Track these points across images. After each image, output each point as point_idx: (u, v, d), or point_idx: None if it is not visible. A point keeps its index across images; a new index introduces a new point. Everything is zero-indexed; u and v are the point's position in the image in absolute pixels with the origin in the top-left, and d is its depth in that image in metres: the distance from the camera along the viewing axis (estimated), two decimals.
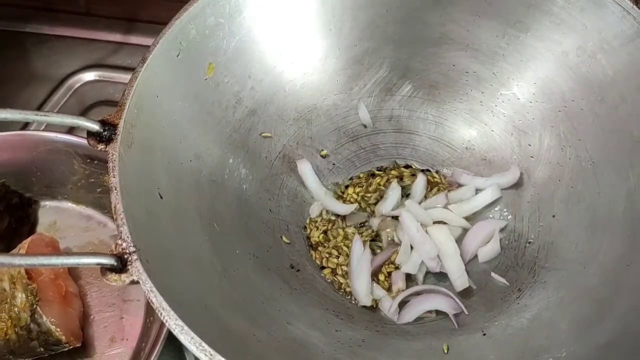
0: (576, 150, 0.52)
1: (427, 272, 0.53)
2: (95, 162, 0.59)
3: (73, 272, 0.58)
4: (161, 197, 0.45)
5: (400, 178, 0.58)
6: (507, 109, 0.57)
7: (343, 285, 0.53)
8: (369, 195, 0.57)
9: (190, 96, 0.51)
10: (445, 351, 0.46)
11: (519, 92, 0.56)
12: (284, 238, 0.54)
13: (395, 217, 0.55)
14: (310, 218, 0.57)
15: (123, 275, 0.38)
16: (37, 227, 0.62)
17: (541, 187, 0.54)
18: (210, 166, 0.52)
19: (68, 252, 0.59)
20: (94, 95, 0.75)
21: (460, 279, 0.51)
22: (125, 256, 0.38)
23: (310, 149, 0.59)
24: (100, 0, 0.80)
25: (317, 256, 0.54)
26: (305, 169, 0.57)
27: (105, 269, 0.38)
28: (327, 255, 0.54)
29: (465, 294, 0.51)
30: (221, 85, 0.53)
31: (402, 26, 0.57)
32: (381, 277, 0.53)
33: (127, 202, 0.40)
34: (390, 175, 0.58)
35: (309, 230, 0.56)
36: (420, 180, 0.57)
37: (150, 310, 0.56)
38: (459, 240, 0.53)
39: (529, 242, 0.52)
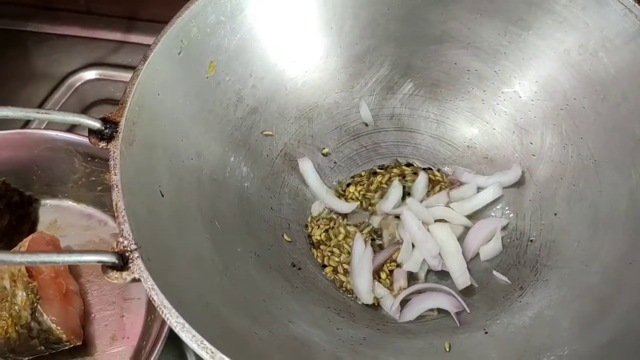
0: (578, 148, 0.52)
1: (429, 271, 0.53)
2: (96, 160, 0.59)
3: (74, 271, 0.58)
4: (162, 195, 0.45)
5: (402, 176, 0.58)
6: (508, 107, 0.57)
7: (344, 284, 0.53)
8: (370, 193, 0.57)
9: (191, 94, 0.51)
10: (447, 349, 0.46)
11: (521, 90, 0.56)
12: (285, 236, 0.54)
13: (397, 216, 0.55)
14: (311, 216, 0.56)
15: (124, 273, 0.38)
16: (38, 225, 0.62)
17: (543, 185, 0.54)
18: (212, 164, 0.52)
19: (69, 250, 0.59)
20: (95, 93, 0.75)
21: (462, 277, 0.51)
22: (127, 254, 0.38)
23: (312, 147, 0.59)
24: None
25: (318, 254, 0.54)
26: (306, 167, 0.57)
27: (106, 267, 0.38)
28: (329, 254, 0.54)
29: (467, 292, 0.51)
30: (222, 83, 0.53)
31: (404, 24, 0.57)
32: (383, 276, 0.53)
33: (128, 200, 0.40)
34: (391, 174, 0.58)
35: (310, 228, 0.56)
36: (422, 179, 0.57)
37: (151, 309, 0.55)
38: (461, 239, 0.53)
39: (531, 241, 0.52)
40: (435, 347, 0.46)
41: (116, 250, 0.38)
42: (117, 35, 0.80)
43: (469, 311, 0.49)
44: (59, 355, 0.53)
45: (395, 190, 0.56)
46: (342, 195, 0.58)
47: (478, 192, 0.56)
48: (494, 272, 0.51)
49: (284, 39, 0.56)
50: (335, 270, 0.53)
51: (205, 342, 0.36)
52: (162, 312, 0.37)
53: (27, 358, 0.52)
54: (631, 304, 0.41)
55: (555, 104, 0.54)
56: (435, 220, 0.54)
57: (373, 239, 0.55)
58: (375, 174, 0.59)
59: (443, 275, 0.53)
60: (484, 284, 0.51)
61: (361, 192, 0.57)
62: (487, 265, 0.53)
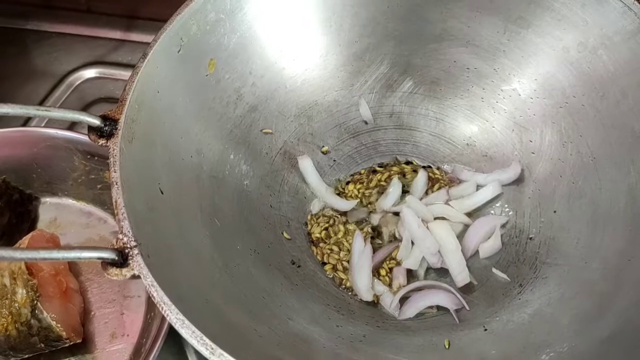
0: (577, 146, 0.52)
1: (428, 268, 0.53)
2: (96, 158, 0.59)
3: (73, 269, 0.58)
4: (162, 193, 0.45)
5: (402, 174, 0.58)
6: (508, 105, 0.57)
7: (344, 281, 0.53)
8: (369, 191, 0.57)
9: (191, 92, 0.51)
10: (447, 346, 0.46)
11: (520, 88, 0.56)
12: (284, 234, 0.54)
13: (396, 213, 0.55)
14: (311, 214, 0.57)
15: (124, 270, 0.38)
16: (38, 223, 0.62)
17: (542, 183, 0.54)
18: (211, 162, 0.52)
19: (69, 246, 0.59)
20: (95, 92, 0.75)
21: (461, 275, 0.51)
22: (126, 250, 0.38)
23: (311, 145, 0.59)
24: None
25: (318, 252, 0.54)
26: (306, 165, 0.57)
27: (106, 264, 0.38)
28: (329, 252, 0.54)
29: (466, 290, 0.51)
30: (222, 81, 0.53)
31: (403, 22, 0.57)
32: (382, 273, 0.53)
33: (128, 197, 0.40)
34: (391, 172, 0.58)
35: (310, 226, 0.56)
36: (421, 177, 0.57)
37: (150, 306, 0.56)
38: (460, 236, 0.53)
39: (530, 238, 0.52)
40: (435, 344, 0.46)
41: (116, 247, 0.39)
42: (117, 34, 0.80)
43: (468, 308, 0.49)
44: (58, 353, 0.54)
45: (395, 188, 0.56)
46: (341, 193, 0.58)
47: (477, 189, 0.56)
48: (494, 270, 0.51)
49: (283, 37, 0.56)
50: (334, 268, 0.53)
51: (204, 338, 0.36)
52: (162, 308, 0.37)
53: (27, 355, 0.52)
54: (630, 300, 0.42)
55: (555, 102, 0.54)
56: (435, 218, 0.54)
57: (372, 237, 0.55)
58: (374, 172, 0.59)
59: (442, 272, 0.53)
60: (483, 281, 0.51)
61: (360, 190, 0.57)
62: (486, 262, 0.53)
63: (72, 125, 0.66)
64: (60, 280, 0.54)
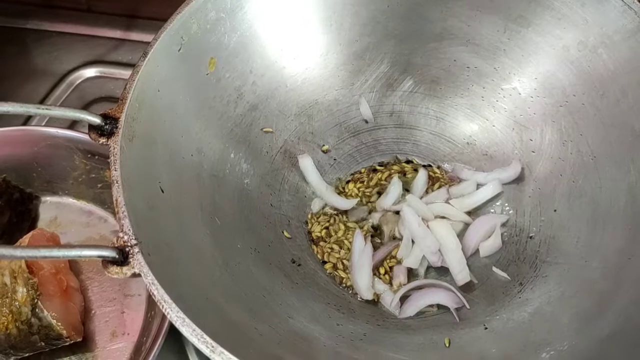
0: (577, 144, 0.52)
1: (429, 267, 0.53)
2: (96, 157, 0.59)
3: (74, 267, 0.58)
4: (162, 191, 0.45)
5: (402, 173, 0.58)
6: (508, 104, 0.57)
7: (344, 280, 0.53)
8: (369, 190, 0.57)
9: (191, 91, 0.51)
10: (447, 345, 0.46)
11: (520, 87, 0.56)
12: (285, 233, 0.54)
13: (397, 212, 0.55)
14: (311, 213, 0.57)
15: (125, 268, 0.38)
16: (38, 222, 0.62)
17: (542, 181, 0.54)
18: (212, 161, 0.52)
19: (70, 245, 0.59)
20: (95, 91, 0.75)
21: (461, 274, 0.51)
22: (127, 249, 0.38)
23: (312, 144, 0.59)
24: None
25: (318, 251, 0.54)
26: (306, 164, 0.57)
27: (107, 262, 0.38)
28: (329, 250, 0.54)
29: (466, 288, 0.51)
30: (222, 80, 0.53)
31: (403, 21, 0.58)
32: (382, 272, 0.53)
33: (128, 195, 0.40)
34: (391, 171, 0.58)
35: (310, 225, 0.56)
36: (422, 176, 0.57)
37: (151, 305, 0.56)
38: (460, 235, 0.53)
39: (531, 237, 0.52)
40: (435, 343, 0.46)
41: (116, 245, 0.39)
42: (117, 33, 0.80)
43: (468, 307, 0.49)
44: (59, 352, 0.54)
45: (395, 186, 0.56)
46: (342, 192, 0.58)
47: (478, 188, 0.56)
48: (494, 268, 0.51)
49: (284, 36, 0.56)
50: (335, 267, 0.53)
51: (205, 336, 0.36)
52: (162, 306, 0.37)
53: (27, 354, 0.52)
54: (630, 299, 0.42)
55: (555, 101, 0.54)
56: (435, 217, 0.54)
57: (373, 236, 0.55)
58: (375, 170, 0.59)
59: (443, 271, 0.53)
60: (483, 280, 0.51)
61: (360, 189, 0.58)
62: (486, 261, 0.53)
63: (72, 125, 0.66)
64: (61, 279, 0.54)
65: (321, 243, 0.55)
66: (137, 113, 0.45)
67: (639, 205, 0.46)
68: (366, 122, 0.60)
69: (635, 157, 0.47)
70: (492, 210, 0.55)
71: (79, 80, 0.77)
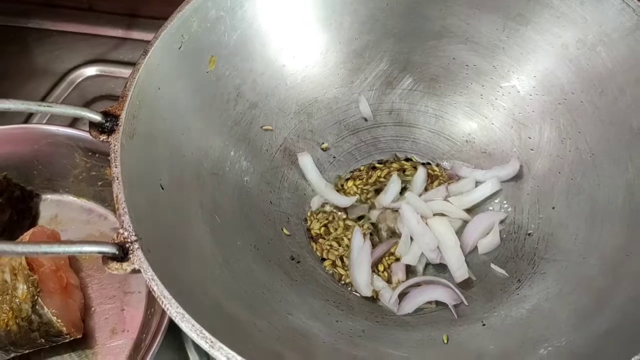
0: (576, 142, 0.52)
1: (427, 264, 0.53)
2: (97, 155, 0.59)
3: (74, 265, 0.59)
4: (162, 188, 0.45)
5: (402, 171, 0.58)
6: (507, 102, 0.57)
7: (343, 277, 0.53)
8: (368, 187, 0.58)
9: (192, 89, 0.51)
10: (445, 341, 0.46)
11: (519, 85, 0.56)
12: (284, 230, 0.54)
13: (396, 210, 0.55)
14: (311, 210, 0.57)
15: (124, 264, 0.38)
16: (39, 220, 0.62)
17: (541, 179, 0.54)
18: (212, 158, 0.52)
19: (70, 241, 0.59)
20: (96, 90, 0.76)
21: (460, 270, 0.51)
22: (127, 245, 0.39)
23: (311, 142, 0.59)
24: None
25: (317, 248, 0.55)
26: (306, 161, 0.57)
27: (107, 258, 0.39)
28: (328, 247, 0.54)
29: (465, 285, 0.51)
30: (222, 78, 0.54)
31: (403, 20, 0.58)
32: (381, 269, 0.53)
33: (128, 192, 0.41)
34: (390, 169, 0.58)
35: (309, 222, 0.56)
36: (421, 173, 0.57)
37: (151, 302, 0.56)
38: (459, 232, 0.54)
39: (529, 234, 0.52)
40: (434, 339, 0.47)
41: (116, 241, 0.39)
42: (118, 32, 0.81)
43: (466, 304, 0.49)
44: (59, 348, 0.54)
45: (394, 184, 0.56)
46: (341, 189, 0.58)
47: (476, 186, 0.56)
48: (492, 265, 0.52)
49: (284, 35, 0.57)
50: (334, 264, 0.54)
51: (204, 331, 0.36)
52: (162, 302, 0.37)
53: (27, 351, 0.53)
54: (628, 296, 0.42)
55: (554, 99, 0.54)
56: (434, 214, 0.55)
57: (372, 233, 0.55)
58: (374, 168, 0.59)
59: (441, 268, 0.53)
60: (482, 277, 0.52)
61: (360, 187, 0.58)
62: (485, 258, 0.53)
63: (73, 123, 0.67)
64: (61, 276, 0.54)
65: (320, 240, 0.55)
66: (138, 111, 0.45)
67: (636, 202, 0.46)
68: (365, 120, 0.60)
69: (633, 155, 0.47)
70: (491, 208, 0.56)
71: (80, 79, 0.77)
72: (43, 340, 0.52)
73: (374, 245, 0.54)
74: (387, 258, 0.53)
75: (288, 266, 0.52)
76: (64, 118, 0.66)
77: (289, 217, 0.55)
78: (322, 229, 0.55)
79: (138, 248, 0.38)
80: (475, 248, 0.53)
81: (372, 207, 0.57)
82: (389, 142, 0.60)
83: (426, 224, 0.53)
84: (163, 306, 0.37)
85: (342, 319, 0.48)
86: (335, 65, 0.59)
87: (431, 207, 0.55)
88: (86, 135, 0.54)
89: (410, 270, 0.53)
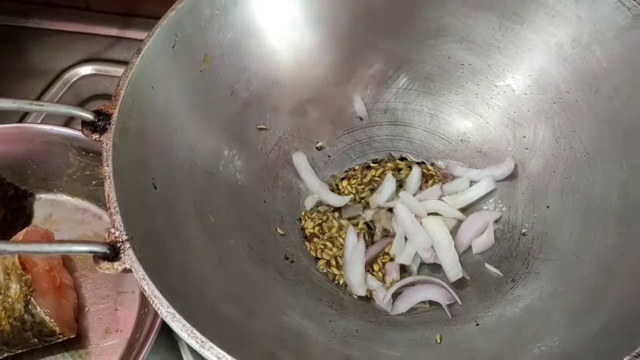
0: (571, 141, 0.52)
1: (422, 263, 0.53)
2: (91, 154, 0.59)
3: (68, 265, 0.58)
4: (155, 187, 0.45)
5: (397, 170, 0.58)
6: (502, 101, 0.57)
7: (337, 277, 0.53)
8: (362, 186, 0.57)
9: (185, 88, 0.51)
10: (439, 341, 0.46)
11: (514, 84, 0.56)
12: (278, 229, 0.54)
13: (390, 209, 0.55)
14: (305, 210, 0.57)
15: (116, 264, 0.38)
16: (33, 219, 0.62)
17: (536, 178, 0.54)
18: (205, 157, 0.52)
19: (61, 240, 0.58)
20: (91, 88, 0.76)
21: (454, 270, 0.51)
22: (118, 244, 0.38)
23: (306, 141, 0.59)
24: None
25: (311, 247, 0.54)
26: (300, 161, 0.57)
27: (98, 257, 0.38)
28: (322, 247, 0.54)
29: (459, 285, 0.51)
30: (216, 77, 0.53)
31: (399, 19, 0.57)
32: (375, 268, 0.53)
33: (120, 191, 0.40)
34: (385, 168, 0.58)
35: (303, 221, 0.56)
36: (415, 173, 0.57)
37: (144, 302, 0.56)
38: (454, 232, 0.53)
39: (523, 233, 0.52)
40: (427, 339, 0.46)
41: (108, 241, 0.39)
42: (113, 31, 0.81)
43: (460, 303, 0.49)
44: (52, 348, 0.54)
45: (389, 183, 0.56)
46: (335, 189, 0.58)
47: (471, 185, 0.56)
48: (486, 265, 0.52)
49: (278, 33, 0.56)
50: (328, 263, 0.53)
51: (195, 331, 0.36)
52: (153, 302, 0.37)
53: (20, 350, 0.53)
54: (622, 294, 0.41)
55: (549, 98, 0.54)
56: (428, 214, 0.54)
57: (366, 232, 0.55)
58: (369, 167, 0.59)
59: (435, 267, 0.53)
60: (476, 276, 0.52)
61: (354, 186, 0.58)
62: (479, 258, 0.53)
63: (67, 122, 0.67)
64: (55, 276, 0.54)
65: (314, 239, 0.55)
66: (130, 110, 0.45)
67: (630, 201, 0.46)
68: (360, 119, 0.60)
69: (628, 154, 0.47)
70: (485, 207, 0.56)
71: (76, 78, 0.77)
72: (36, 340, 0.51)
73: (368, 245, 0.54)
74: (381, 258, 0.53)
75: (282, 266, 0.52)
76: (58, 117, 0.66)
77: (283, 217, 0.55)
78: (317, 228, 0.55)
79: (129, 247, 0.38)
80: (470, 248, 0.53)
81: (367, 206, 0.57)
82: (384, 141, 0.60)
83: (420, 223, 0.53)
84: (154, 305, 0.37)
85: (336, 319, 0.48)
86: (330, 64, 0.59)
87: (425, 207, 0.55)
88: (80, 134, 0.53)
89: (404, 270, 0.53)
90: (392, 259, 0.53)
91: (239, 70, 0.55)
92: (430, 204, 0.55)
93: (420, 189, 0.57)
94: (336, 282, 0.53)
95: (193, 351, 0.55)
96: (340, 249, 0.54)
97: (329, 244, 0.54)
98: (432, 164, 0.59)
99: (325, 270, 0.53)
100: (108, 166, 0.41)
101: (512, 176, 0.55)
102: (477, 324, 0.47)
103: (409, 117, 0.60)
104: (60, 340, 0.52)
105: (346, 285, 0.52)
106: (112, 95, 0.45)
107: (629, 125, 0.47)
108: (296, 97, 0.58)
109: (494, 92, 0.57)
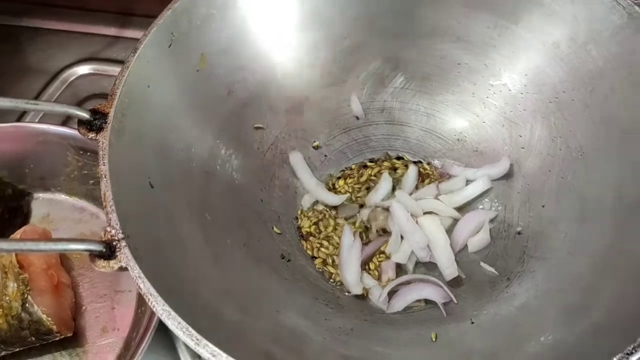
0: (566, 140, 0.52)
1: (417, 262, 0.53)
2: (88, 153, 0.59)
3: (65, 263, 0.58)
4: (152, 186, 0.45)
5: (393, 169, 0.58)
6: (498, 101, 0.57)
7: (333, 275, 0.53)
8: (359, 185, 0.58)
9: (182, 87, 0.51)
10: (434, 339, 0.46)
11: (511, 84, 0.56)
12: (275, 228, 0.54)
13: (386, 208, 0.55)
14: (301, 209, 0.57)
15: (112, 262, 0.38)
16: (30, 219, 0.62)
17: (531, 177, 0.54)
18: (202, 156, 0.52)
19: (57, 238, 0.59)
20: (88, 88, 0.76)
21: (449, 269, 0.51)
22: (114, 243, 0.39)
23: (303, 141, 0.59)
24: None
25: (308, 246, 0.55)
26: (297, 160, 0.57)
27: (94, 256, 0.39)
28: (318, 246, 0.54)
29: (454, 283, 0.51)
30: (213, 76, 0.53)
31: (395, 18, 0.58)
32: (371, 267, 0.53)
33: (116, 190, 0.41)
34: (382, 167, 0.58)
35: (300, 220, 0.56)
36: (412, 172, 0.57)
37: (141, 301, 0.56)
38: (449, 231, 0.54)
39: (519, 232, 0.52)
40: (423, 337, 0.47)
41: (104, 239, 0.39)
42: (111, 31, 0.81)
43: (456, 302, 0.49)
44: (49, 347, 0.54)
45: (385, 182, 0.56)
46: (332, 188, 0.58)
47: (467, 184, 0.56)
48: (482, 264, 0.52)
49: (275, 33, 0.56)
50: (324, 262, 0.54)
51: (190, 329, 0.36)
52: (149, 300, 0.37)
53: (17, 349, 0.53)
54: (617, 293, 0.42)
55: (545, 97, 0.54)
56: (424, 213, 0.55)
57: (362, 231, 0.55)
58: (365, 167, 0.59)
59: (431, 266, 0.53)
60: (471, 275, 0.52)
61: (351, 185, 0.58)
62: (475, 256, 0.53)
63: (65, 121, 0.67)
64: (52, 275, 0.54)
65: (311, 238, 0.55)
66: (127, 108, 0.45)
67: (626, 200, 0.46)
68: (357, 118, 0.60)
69: (623, 153, 0.47)
70: (481, 206, 0.56)
71: (73, 77, 0.77)
72: (33, 339, 0.52)
73: (364, 244, 0.54)
74: (377, 256, 0.53)
75: (278, 264, 0.52)
76: (56, 117, 0.66)
77: (279, 216, 0.55)
78: (313, 227, 0.55)
79: (125, 246, 0.38)
80: (465, 246, 0.53)
81: (363, 205, 0.57)
82: (381, 141, 0.60)
83: (416, 222, 0.53)
84: (149, 303, 0.37)
85: (332, 317, 0.48)
86: (327, 63, 0.59)
87: (422, 206, 0.55)
88: (78, 133, 0.54)
89: (400, 269, 0.53)
90: (388, 258, 0.53)
91: (236, 70, 0.55)
92: (426, 203, 0.55)
93: (417, 188, 0.57)
94: (332, 280, 0.53)
95: (189, 349, 0.56)
96: (337, 248, 0.54)
97: (325, 243, 0.54)
98: (428, 163, 0.59)
99: (321, 269, 0.53)
100: (104, 165, 0.42)
101: (508, 175, 0.55)
102: (473, 323, 0.47)
103: (406, 117, 0.60)
104: (57, 338, 0.52)
105: (342, 283, 0.52)
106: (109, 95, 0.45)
107: (625, 125, 0.48)
108: (293, 97, 0.59)
109: (490, 91, 0.57)
